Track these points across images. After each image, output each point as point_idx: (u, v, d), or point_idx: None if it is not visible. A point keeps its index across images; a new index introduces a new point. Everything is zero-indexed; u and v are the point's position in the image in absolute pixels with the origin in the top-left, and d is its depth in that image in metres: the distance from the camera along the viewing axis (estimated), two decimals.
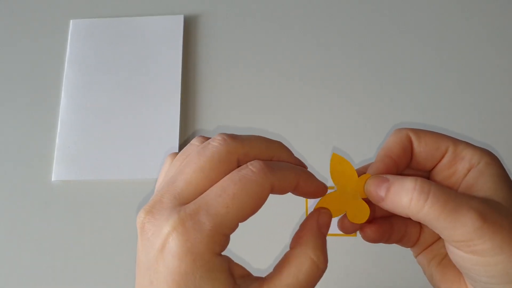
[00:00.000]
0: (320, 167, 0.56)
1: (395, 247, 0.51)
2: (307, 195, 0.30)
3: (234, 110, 0.61)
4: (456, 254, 0.26)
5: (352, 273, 0.51)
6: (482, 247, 0.24)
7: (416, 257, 0.35)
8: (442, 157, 0.29)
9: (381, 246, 0.52)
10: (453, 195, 0.25)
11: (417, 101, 0.60)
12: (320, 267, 0.27)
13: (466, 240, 0.25)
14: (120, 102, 0.61)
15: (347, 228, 0.32)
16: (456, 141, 0.29)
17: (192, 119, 0.61)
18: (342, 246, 0.53)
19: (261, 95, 0.61)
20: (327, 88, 0.61)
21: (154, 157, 0.58)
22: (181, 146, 0.59)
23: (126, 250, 0.54)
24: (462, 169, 0.28)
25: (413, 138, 0.29)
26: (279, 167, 0.27)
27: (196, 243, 0.23)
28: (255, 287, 0.26)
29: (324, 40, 0.64)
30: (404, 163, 0.29)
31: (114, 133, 0.59)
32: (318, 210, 0.30)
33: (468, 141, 0.29)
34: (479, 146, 0.29)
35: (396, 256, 0.52)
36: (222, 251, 0.25)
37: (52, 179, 0.58)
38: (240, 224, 0.26)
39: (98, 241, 0.55)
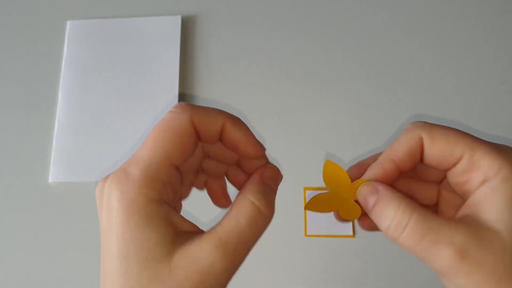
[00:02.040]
0: (318, 165, 0.56)
1: (393, 248, 0.51)
2: (239, 148, 0.29)
3: (232, 110, 0.60)
4: (441, 277, 0.26)
5: (350, 274, 0.51)
6: (458, 283, 0.24)
7: None
8: (457, 163, 0.26)
9: (379, 247, 0.52)
10: (434, 228, 0.24)
11: (417, 101, 0.60)
12: (262, 211, 0.25)
13: (441, 273, 0.24)
14: (117, 103, 0.61)
15: (341, 220, 0.31)
16: (474, 146, 0.26)
17: None
18: (340, 247, 0.52)
19: (258, 95, 0.61)
20: (325, 88, 0.61)
21: None
22: None
23: None
24: (476, 180, 0.25)
25: (425, 141, 0.27)
26: (204, 107, 0.27)
27: (129, 191, 0.23)
28: (196, 238, 0.24)
29: (321, 40, 0.64)
30: (409, 166, 0.28)
31: (111, 135, 0.59)
32: (264, 166, 0.29)
33: (494, 141, 0.27)
34: (506, 147, 0.26)
35: (394, 256, 0.52)
36: (163, 199, 0.24)
37: (49, 181, 0.57)
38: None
39: (95, 242, 0.55)
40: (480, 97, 0.60)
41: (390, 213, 0.25)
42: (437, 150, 0.26)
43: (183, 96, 0.62)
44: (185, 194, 0.31)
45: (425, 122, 0.27)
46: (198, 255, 0.23)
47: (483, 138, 0.27)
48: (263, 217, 0.26)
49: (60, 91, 0.62)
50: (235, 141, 0.29)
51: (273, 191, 0.28)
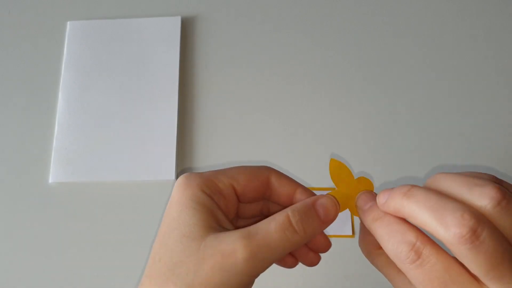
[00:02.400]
0: (320, 165, 0.56)
1: None
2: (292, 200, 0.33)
3: (231, 111, 0.61)
4: None
5: (350, 274, 0.51)
6: None
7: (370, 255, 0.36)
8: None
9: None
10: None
11: (417, 101, 0.60)
12: (294, 227, 0.28)
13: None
14: (117, 103, 0.61)
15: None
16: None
17: (190, 121, 0.61)
18: (340, 247, 0.53)
19: (258, 96, 0.61)
20: (325, 89, 0.61)
21: (151, 158, 0.58)
22: (178, 148, 0.59)
23: (124, 252, 0.54)
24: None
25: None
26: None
27: (191, 183, 0.29)
28: (231, 230, 0.28)
29: (321, 41, 0.64)
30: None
31: (112, 135, 0.59)
32: (321, 195, 0.32)
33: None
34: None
35: None
36: (215, 199, 0.29)
37: (50, 181, 0.57)
38: None
39: (95, 242, 0.55)
40: (480, 98, 0.60)
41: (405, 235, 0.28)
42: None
43: (183, 96, 0.62)
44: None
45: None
46: (226, 240, 0.26)
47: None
48: (292, 232, 0.28)
49: (60, 92, 0.62)
50: (288, 194, 0.33)
51: (318, 218, 0.30)
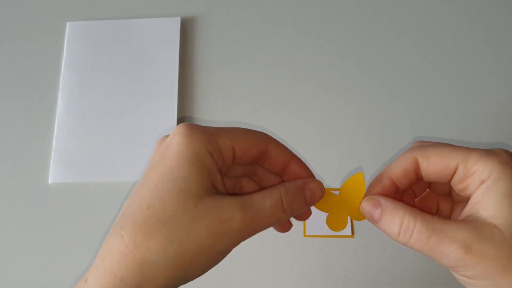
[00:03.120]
0: (319, 165, 0.56)
1: (392, 248, 0.52)
2: (289, 171, 0.33)
3: (231, 111, 0.61)
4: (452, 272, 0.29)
5: (349, 274, 0.52)
6: (466, 274, 0.27)
7: None
8: (454, 173, 0.29)
9: (377, 247, 0.52)
10: (437, 228, 0.27)
11: (416, 101, 0.60)
12: (283, 207, 0.30)
13: (451, 267, 0.27)
14: (117, 104, 0.61)
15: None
16: (466, 156, 0.29)
17: (190, 121, 0.61)
18: (339, 247, 0.53)
19: (258, 96, 0.61)
20: (324, 88, 0.61)
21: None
22: None
23: None
24: (474, 184, 0.28)
25: (421, 160, 0.30)
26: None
27: (192, 139, 0.28)
28: (228, 196, 0.28)
29: (320, 41, 0.64)
30: (404, 184, 0.31)
31: (111, 135, 0.59)
32: (311, 179, 0.33)
33: (484, 147, 0.29)
34: (496, 151, 0.28)
35: (393, 256, 0.52)
36: (216, 161, 0.29)
37: (49, 181, 0.58)
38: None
39: (95, 243, 0.55)
40: (480, 98, 0.60)
41: (397, 221, 0.29)
42: (433, 166, 0.30)
43: (183, 96, 0.62)
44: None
45: (419, 146, 0.31)
46: (224, 206, 0.27)
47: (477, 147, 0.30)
48: (281, 212, 0.30)
49: (59, 92, 0.62)
50: (282, 163, 0.33)
51: (305, 201, 0.31)
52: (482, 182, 0.28)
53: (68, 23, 0.66)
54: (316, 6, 0.66)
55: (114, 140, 0.59)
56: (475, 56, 0.62)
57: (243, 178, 0.35)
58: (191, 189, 0.27)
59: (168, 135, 0.30)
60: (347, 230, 0.53)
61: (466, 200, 0.30)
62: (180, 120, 0.60)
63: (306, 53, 0.64)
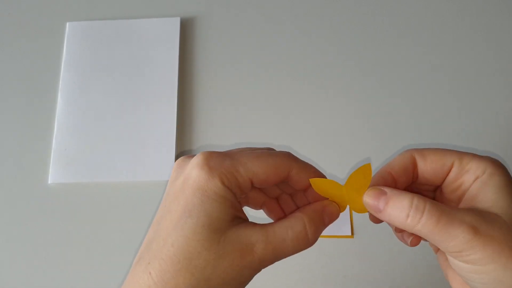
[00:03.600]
0: (318, 164, 0.56)
1: (391, 249, 0.52)
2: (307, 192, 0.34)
3: (231, 112, 0.61)
4: (454, 262, 0.29)
5: (349, 275, 0.52)
6: (474, 257, 0.27)
7: (435, 253, 0.36)
8: (449, 172, 0.31)
9: (377, 247, 0.52)
10: (446, 211, 0.28)
11: (416, 101, 0.60)
12: (308, 237, 0.31)
13: (459, 251, 0.27)
14: (116, 104, 0.61)
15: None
16: (461, 155, 0.30)
17: (189, 121, 0.61)
18: (339, 248, 0.53)
19: (258, 96, 0.61)
20: (324, 89, 0.61)
21: (151, 159, 0.58)
22: (178, 148, 0.59)
23: (123, 252, 0.54)
24: (468, 181, 0.30)
25: (418, 159, 0.32)
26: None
27: (213, 171, 0.29)
28: (250, 226, 0.29)
29: (320, 41, 0.64)
30: (404, 181, 0.32)
31: (111, 135, 0.59)
32: (329, 201, 0.33)
33: (475, 153, 0.31)
34: (486, 155, 0.30)
35: (393, 257, 0.52)
36: (235, 192, 0.29)
37: (49, 182, 0.58)
38: None
39: (95, 243, 0.55)
40: (479, 98, 0.60)
41: (406, 204, 0.28)
42: (430, 163, 0.31)
43: (183, 97, 0.62)
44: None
45: (415, 148, 0.32)
46: (246, 239, 0.28)
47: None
48: (307, 241, 0.31)
49: (59, 92, 0.62)
50: (305, 185, 0.33)
51: (324, 226, 0.32)
52: (477, 178, 0.29)
53: (67, 23, 0.66)
54: (317, 6, 0.66)
55: (113, 141, 0.59)
56: (475, 56, 0.62)
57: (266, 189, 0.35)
58: (213, 225, 0.28)
59: (185, 157, 0.32)
60: (346, 231, 0.53)
61: (455, 201, 0.31)
62: (179, 120, 0.60)
63: (306, 53, 0.64)
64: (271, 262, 0.30)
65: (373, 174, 0.33)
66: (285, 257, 0.30)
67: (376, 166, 0.57)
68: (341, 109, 0.60)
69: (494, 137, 0.58)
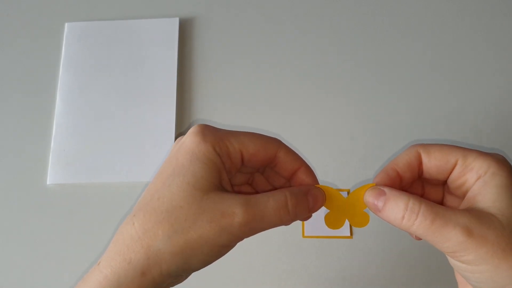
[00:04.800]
0: (317, 165, 0.56)
1: (390, 249, 0.52)
2: (296, 175, 0.35)
3: (229, 112, 0.61)
4: (451, 261, 0.30)
5: (348, 275, 0.52)
6: (468, 258, 0.28)
7: None
8: (453, 169, 0.31)
9: (376, 247, 0.52)
10: (440, 213, 0.29)
11: (415, 101, 0.60)
12: (288, 209, 0.31)
13: (453, 252, 0.28)
14: (115, 105, 0.61)
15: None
16: (466, 153, 0.31)
17: (188, 122, 0.61)
18: (338, 248, 0.53)
19: (256, 97, 0.61)
20: (322, 89, 0.61)
21: (150, 159, 0.58)
22: None
23: None
24: (471, 179, 0.30)
25: (423, 155, 0.32)
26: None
27: (204, 141, 0.31)
28: (233, 193, 0.31)
29: (319, 42, 0.64)
30: (409, 177, 0.33)
31: (109, 136, 0.59)
32: (315, 186, 0.34)
33: (481, 150, 0.31)
34: (492, 153, 0.30)
35: (392, 257, 0.52)
36: (224, 161, 0.31)
37: (48, 183, 0.57)
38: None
39: (93, 244, 0.55)
40: (480, 98, 0.60)
41: (402, 205, 0.30)
42: (434, 159, 0.32)
43: (181, 97, 0.62)
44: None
45: (421, 143, 0.33)
46: (227, 202, 0.29)
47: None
48: (286, 213, 0.31)
49: (58, 93, 0.62)
50: (291, 169, 0.35)
51: (307, 207, 0.33)
52: (479, 177, 0.30)
53: (66, 24, 0.66)
54: (317, 6, 0.66)
55: (112, 141, 0.59)
56: (475, 56, 0.62)
57: (256, 174, 0.37)
58: (198, 183, 0.30)
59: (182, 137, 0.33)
60: (345, 231, 0.53)
61: (460, 196, 0.32)
62: (178, 121, 0.60)
63: (306, 54, 0.64)
64: (251, 230, 0.30)
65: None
66: (265, 227, 0.31)
67: (376, 166, 0.57)
68: (341, 109, 0.60)
69: (495, 137, 0.58)
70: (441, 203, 0.35)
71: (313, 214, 0.35)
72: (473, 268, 0.28)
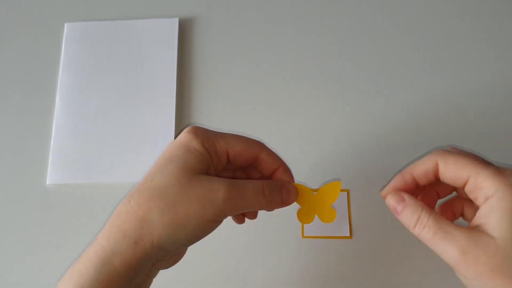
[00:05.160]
0: (315, 166, 0.56)
1: (390, 250, 0.52)
2: (275, 173, 0.40)
3: (229, 112, 0.61)
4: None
5: (348, 275, 0.52)
6: (460, 273, 0.33)
7: None
8: (465, 183, 0.35)
9: (376, 248, 0.52)
10: (443, 228, 0.33)
11: (414, 102, 0.60)
12: (264, 193, 0.37)
13: (451, 265, 0.33)
14: (115, 105, 0.61)
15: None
16: (478, 171, 0.34)
17: (188, 122, 0.61)
18: (337, 249, 0.53)
19: (256, 97, 0.61)
20: (322, 90, 0.61)
21: (149, 160, 0.57)
22: None
23: None
24: (481, 198, 0.34)
25: (440, 165, 0.36)
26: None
27: (193, 137, 0.37)
28: (219, 178, 0.35)
29: (318, 43, 0.64)
30: (425, 182, 0.37)
31: (109, 136, 0.59)
32: (291, 183, 0.40)
33: (498, 164, 0.34)
34: (504, 172, 0.33)
35: (392, 258, 0.52)
36: (211, 155, 0.37)
37: (47, 183, 0.57)
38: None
39: None
40: (480, 99, 0.60)
41: (416, 216, 0.35)
42: (449, 173, 0.35)
43: (181, 97, 0.62)
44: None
45: (443, 151, 0.36)
46: (213, 181, 0.35)
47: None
48: (262, 197, 0.37)
49: (57, 93, 0.62)
50: (272, 169, 0.40)
51: (281, 197, 0.39)
52: (487, 198, 0.33)
53: (66, 24, 0.66)
54: (316, 7, 0.67)
55: (112, 142, 0.59)
56: (475, 57, 0.62)
57: (237, 171, 0.42)
58: (188, 167, 0.35)
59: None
60: (345, 232, 0.53)
61: (475, 204, 0.35)
62: (178, 121, 0.60)
63: (306, 55, 0.64)
64: (233, 206, 0.35)
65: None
66: (245, 206, 0.36)
67: (376, 166, 0.57)
68: (341, 110, 0.60)
69: (494, 137, 0.58)
70: (472, 208, 0.40)
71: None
72: (469, 282, 0.32)
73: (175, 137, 0.58)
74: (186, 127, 0.59)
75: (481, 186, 0.33)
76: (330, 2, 0.67)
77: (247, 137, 0.39)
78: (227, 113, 0.61)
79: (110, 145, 0.59)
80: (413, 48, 0.63)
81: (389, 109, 0.60)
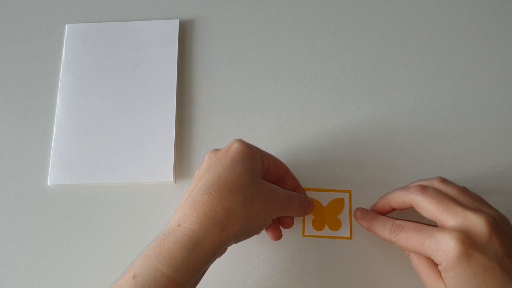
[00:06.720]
0: (315, 167, 0.56)
1: (390, 251, 0.52)
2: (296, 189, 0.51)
3: (230, 113, 0.61)
4: None
5: (348, 276, 0.52)
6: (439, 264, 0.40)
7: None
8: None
9: (376, 248, 0.52)
10: (422, 230, 0.41)
11: (414, 102, 0.60)
12: (300, 202, 0.47)
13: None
14: (115, 106, 0.61)
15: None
16: (442, 225, 0.40)
17: (188, 123, 0.61)
18: (338, 248, 0.53)
19: (256, 98, 0.62)
20: (322, 91, 0.62)
21: (150, 161, 0.58)
22: (177, 150, 0.59)
23: (121, 254, 0.54)
24: (435, 258, 0.39)
25: (414, 205, 0.43)
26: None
27: (249, 150, 0.43)
28: (274, 185, 0.45)
29: (319, 44, 0.64)
30: (400, 208, 0.47)
31: (110, 137, 0.59)
32: (311, 200, 0.52)
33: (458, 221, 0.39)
34: (455, 239, 0.37)
35: (391, 259, 0.52)
36: (264, 167, 0.46)
37: (48, 184, 0.58)
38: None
39: (94, 245, 0.55)
40: (479, 98, 0.60)
41: (389, 222, 0.45)
42: (420, 214, 0.43)
43: (181, 99, 0.62)
44: None
45: (422, 191, 0.42)
46: (274, 187, 0.44)
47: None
48: (298, 204, 0.47)
49: (58, 95, 0.62)
50: (293, 186, 0.50)
51: (308, 206, 0.51)
52: (438, 264, 0.39)
53: (66, 26, 0.66)
54: (315, 8, 0.67)
55: (113, 142, 0.59)
56: (476, 57, 0.63)
57: None
58: (255, 171, 0.42)
59: (217, 149, 0.45)
60: (345, 232, 0.53)
61: None
62: (178, 123, 0.60)
63: (306, 56, 0.64)
64: (286, 208, 0.44)
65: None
66: (291, 210, 0.46)
67: (377, 168, 0.57)
68: (342, 110, 0.60)
69: (494, 136, 0.58)
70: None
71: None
72: (444, 273, 0.39)
73: (175, 138, 0.59)
74: (189, 128, 0.60)
75: (438, 238, 0.38)
76: (330, 3, 0.67)
77: (279, 160, 0.48)
78: (227, 114, 0.61)
79: (111, 146, 0.59)
80: (413, 48, 0.64)
81: (390, 110, 0.60)
